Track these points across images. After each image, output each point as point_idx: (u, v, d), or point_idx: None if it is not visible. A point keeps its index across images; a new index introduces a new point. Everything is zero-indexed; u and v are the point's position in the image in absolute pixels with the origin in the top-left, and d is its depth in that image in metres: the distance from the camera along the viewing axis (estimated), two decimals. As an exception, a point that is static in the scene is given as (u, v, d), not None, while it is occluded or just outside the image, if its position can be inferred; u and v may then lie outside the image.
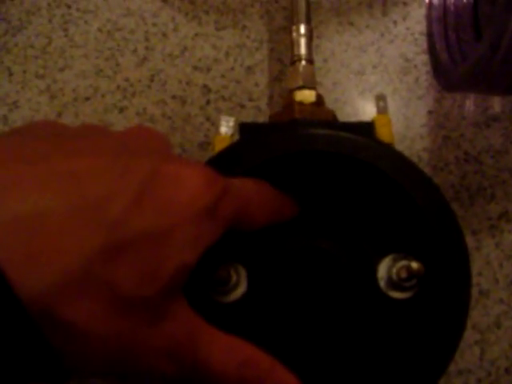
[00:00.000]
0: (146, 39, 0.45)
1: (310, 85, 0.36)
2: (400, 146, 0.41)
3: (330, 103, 0.41)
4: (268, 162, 0.31)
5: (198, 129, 0.42)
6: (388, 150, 0.32)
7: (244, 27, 0.45)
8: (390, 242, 0.31)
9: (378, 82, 0.43)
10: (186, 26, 0.45)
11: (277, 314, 0.32)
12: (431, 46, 0.42)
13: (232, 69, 0.44)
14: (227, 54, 0.44)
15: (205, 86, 0.43)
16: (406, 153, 0.39)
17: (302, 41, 0.37)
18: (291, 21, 0.38)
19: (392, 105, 0.42)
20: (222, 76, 0.43)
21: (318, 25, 0.44)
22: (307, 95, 0.35)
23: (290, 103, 0.36)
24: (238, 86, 0.43)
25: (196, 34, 0.45)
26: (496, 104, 0.42)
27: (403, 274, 0.30)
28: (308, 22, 0.38)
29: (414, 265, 0.29)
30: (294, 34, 0.38)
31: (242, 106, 0.43)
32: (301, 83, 0.36)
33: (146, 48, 0.44)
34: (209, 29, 0.45)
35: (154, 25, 0.45)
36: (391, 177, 0.31)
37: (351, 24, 0.44)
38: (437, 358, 0.29)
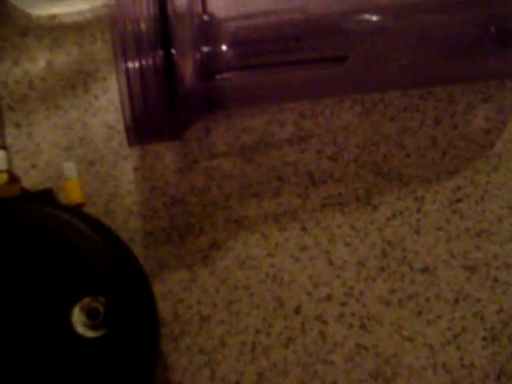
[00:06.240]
0: None
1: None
2: (112, 205, 0.44)
3: (44, 183, 0.45)
4: None
5: None
6: (50, 210, 0.35)
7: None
8: (81, 290, 0.35)
9: (86, 153, 0.46)
10: None
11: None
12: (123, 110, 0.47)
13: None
14: None
15: None
16: (118, 209, 0.43)
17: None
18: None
19: (101, 170, 0.46)
20: None
21: (28, 115, 0.48)
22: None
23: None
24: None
25: None
26: (194, 149, 0.47)
27: (87, 313, 0.34)
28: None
29: (89, 302, 0.34)
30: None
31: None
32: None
33: None
34: None
35: None
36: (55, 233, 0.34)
37: (57, 107, 0.48)
38: None
